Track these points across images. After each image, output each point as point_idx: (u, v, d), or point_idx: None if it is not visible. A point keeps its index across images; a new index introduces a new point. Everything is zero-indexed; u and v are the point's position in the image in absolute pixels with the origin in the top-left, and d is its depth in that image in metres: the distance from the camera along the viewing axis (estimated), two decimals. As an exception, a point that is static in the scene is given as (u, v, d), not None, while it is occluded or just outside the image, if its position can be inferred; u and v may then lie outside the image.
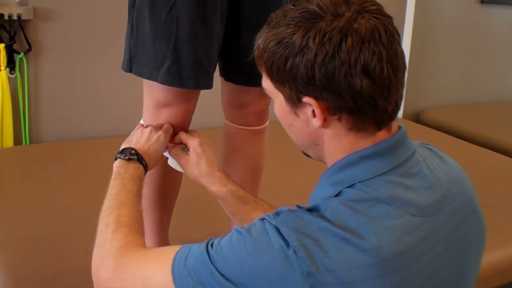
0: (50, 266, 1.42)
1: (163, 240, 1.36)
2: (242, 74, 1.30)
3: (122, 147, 1.14)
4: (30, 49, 2.21)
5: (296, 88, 0.80)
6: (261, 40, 0.84)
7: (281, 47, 0.79)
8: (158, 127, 1.18)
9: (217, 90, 1.38)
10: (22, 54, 2.19)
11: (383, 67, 0.77)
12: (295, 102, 0.82)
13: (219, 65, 1.32)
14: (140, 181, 1.08)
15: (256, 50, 0.85)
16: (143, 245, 0.94)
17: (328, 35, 0.76)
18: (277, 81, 0.83)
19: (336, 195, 0.81)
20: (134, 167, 1.09)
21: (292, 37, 0.78)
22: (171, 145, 1.21)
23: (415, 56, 3.13)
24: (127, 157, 1.09)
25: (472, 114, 3.24)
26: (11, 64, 2.18)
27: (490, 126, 3.00)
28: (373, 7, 0.79)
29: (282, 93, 0.83)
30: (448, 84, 3.41)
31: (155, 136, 1.15)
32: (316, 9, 0.78)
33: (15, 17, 2.13)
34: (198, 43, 1.15)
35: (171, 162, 1.26)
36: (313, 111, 0.80)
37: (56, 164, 2.10)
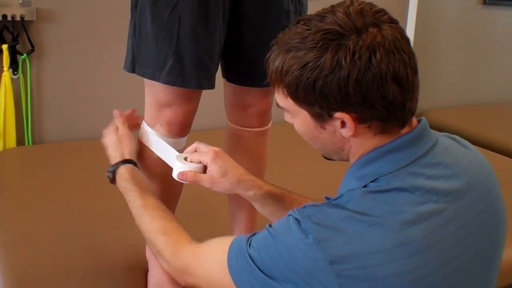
0: (51, 265, 1.42)
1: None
2: (244, 75, 1.30)
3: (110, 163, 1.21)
4: (33, 50, 2.21)
5: (327, 107, 0.83)
6: (278, 62, 0.85)
7: (307, 71, 0.81)
8: (114, 129, 1.24)
9: (220, 91, 1.38)
10: (25, 55, 2.20)
11: (407, 72, 0.82)
12: (324, 118, 0.86)
13: (221, 66, 1.32)
14: (137, 174, 1.18)
15: (274, 74, 0.86)
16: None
17: (358, 53, 0.79)
18: (304, 102, 0.85)
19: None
20: (126, 171, 1.17)
21: (319, 60, 0.80)
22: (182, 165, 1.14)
23: (417, 57, 3.11)
24: (111, 175, 1.18)
25: (474, 115, 3.23)
26: (14, 65, 2.19)
27: (492, 127, 2.99)
28: (385, 17, 0.84)
29: (308, 111, 0.87)
30: (450, 85, 3.40)
31: (117, 137, 1.22)
32: (337, 28, 0.81)
33: (18, 18, 2.14)
34: (200, 43, 1.15)
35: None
36: (342, 122, 0.85)
37: (58, 164, 2.11)
